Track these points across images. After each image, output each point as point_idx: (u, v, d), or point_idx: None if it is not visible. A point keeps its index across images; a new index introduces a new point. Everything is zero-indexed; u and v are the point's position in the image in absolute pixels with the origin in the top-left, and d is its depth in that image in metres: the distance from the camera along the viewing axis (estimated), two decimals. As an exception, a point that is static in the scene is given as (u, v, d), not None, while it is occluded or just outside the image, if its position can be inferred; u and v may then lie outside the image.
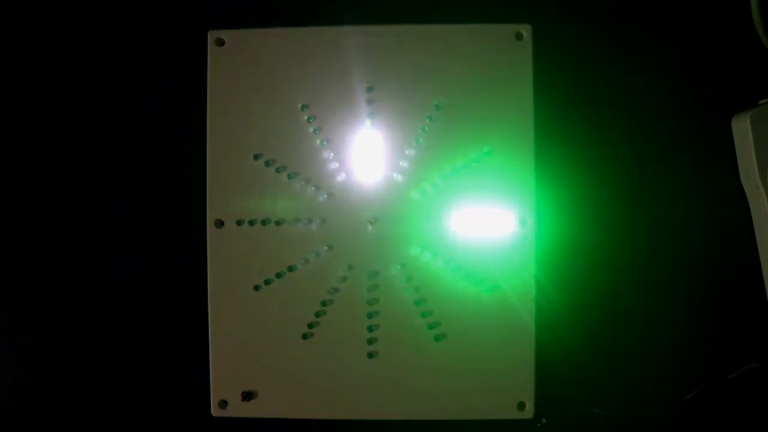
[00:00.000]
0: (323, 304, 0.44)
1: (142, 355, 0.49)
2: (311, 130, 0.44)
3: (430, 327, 0.44)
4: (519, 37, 0.44)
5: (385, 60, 0.44)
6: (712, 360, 0.48)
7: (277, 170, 0.44)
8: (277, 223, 0.44)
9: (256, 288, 0.44)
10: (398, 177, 0.44)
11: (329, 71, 0.44)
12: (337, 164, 0.44)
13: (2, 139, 0.49)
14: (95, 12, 0.49)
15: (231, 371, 0.44)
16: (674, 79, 0.48)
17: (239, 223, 0.44)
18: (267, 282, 0.44)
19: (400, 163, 0.44)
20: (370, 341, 0.44)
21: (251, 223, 0.44)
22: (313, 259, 0.44)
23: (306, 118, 0.44)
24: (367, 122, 0.44)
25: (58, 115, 0.49)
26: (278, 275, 0.44)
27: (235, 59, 0.44)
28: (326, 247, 0.44)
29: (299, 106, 0.44)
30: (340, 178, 0.45)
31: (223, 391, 0.44)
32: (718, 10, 0.48)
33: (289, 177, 0.44)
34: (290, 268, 0.44)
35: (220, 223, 0.44)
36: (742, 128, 0.46)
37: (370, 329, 0.44)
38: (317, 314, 0.44)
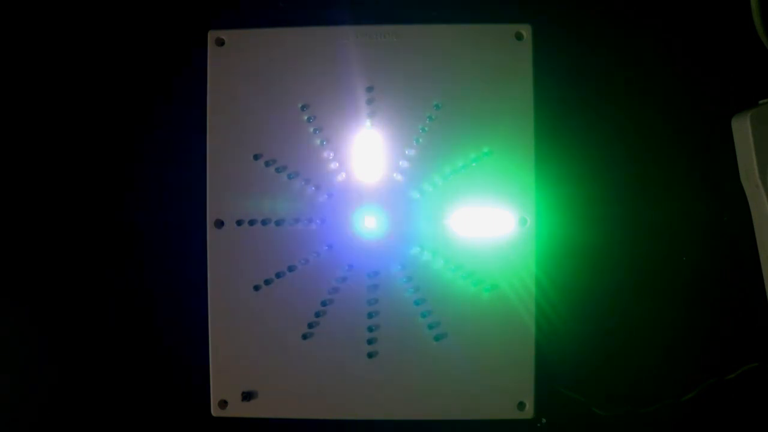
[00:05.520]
0: (323, 304, 0.44)
1: (142, 355, 0.49)
2: (311, 130, 0.44)
3: (430, 327, 0.44)
4: (519, 37, 0.44)
5: (385, 60, 0.44)
6: (712, 360, 0.48)
7: (277, 170, 0.44)
8: (277, 223, 0.44)
9: (256, 288, 0.44)
10: (398, 177, 0.45)
11: (329, 71, 0.44)
12: (337, 164, 0.44)
13: (2, 140, 0.49)
14: (95, 13, 0.49)
15: (231, 371, 0.44)
16: (674, 80, 0.49)
17: (239, 223, 0.44)
18: (267, 282, 0.44)
19: (400, 163, 0.44)
20: (370, 341, 0.44)
21: (251, 223, 0.44)
22: (313, 259, 0.44)
23: (306, 118, 0.44)
24: (367, 122, 0.44)
25: (58, 116, 0.49)
26: (278, 275, 0.44)
27: (235, 59, 0.44)
28: (326, 247, 0.44)
29: (299, 106, 0.44)
30: (340, 178, 0.45)
31: (223, 391, 0.44)
32: (718, 10, 0.48)
33: (289, 177, 0.44)
34: (290, 268, 0.44)
35: (220, 223, 0.44)
36: (742, 128, 0.46)
37: (370, 329, 0.44)
38: (317, 314, 0.44)
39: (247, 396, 0.44)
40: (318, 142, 0.44)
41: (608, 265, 0.48)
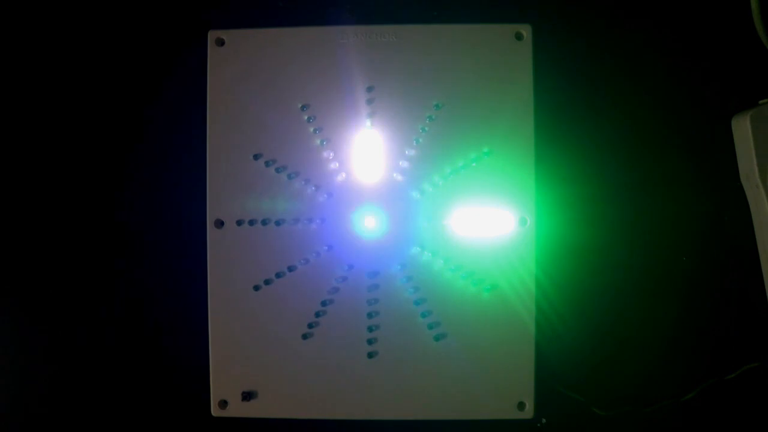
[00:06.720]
0: (323, 304, 0.44)
1: (142, 355, 0.49)
2: (311, 130, 0.44)
3: (430, 327, 0.44)
4: (519, 37, 0.44)
5: (385, 60, 0.44)
6: (712, 360, 0.48)
7: (277, 170, 0.44)
8: (277, 223, 0.44)
9: (256, 288, 0.44)
10: (398, 177, 0.45)
11: (329, 71, 0.44)
12: (337, 164, 0.44)
13: (2, 140, 0.49)
14: (95, 12, 0.49)
15: (231, 371, 0.44)
16: (674, 79, 0.49)
17: (239, 223, 0.44)
18: (267, 282, 0.44)
19: (400, 163, 0.44)
20: (370, 341, 0.44)
21: (251, 223, 0.44)
22: (313, 259, 0.44)
23: (306, 118, 0.44)
24: (367, 122, 0.44)
25: (59, 116, 0.49)
26: (278, 275, 0.44)
27: (235, 59, 0.44)
28: (326, 247, 0.44)
29: (299, 106, 0.44)
30: (340, 178, 0.45)
31: (223, 391, 0.44)
32: (718, 10, 0.48)
33: (289, 177, 0.44)
34: (290, 268, 0.44)
35: (220, 223, 0.44)
36: (742, 128, 0.46)
37: (370, 329, 0.44)
38: (317, 314, 0.44)
39: (247, 396, 0.44)
40: (318, 142, 0.44)
41: (608, 265, 0.48)
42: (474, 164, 0.44)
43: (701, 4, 0.48)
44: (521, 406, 0.44)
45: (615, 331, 0.48)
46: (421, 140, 0.44)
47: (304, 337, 0.44)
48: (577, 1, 0.49)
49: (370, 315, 0.44)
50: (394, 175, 0.45)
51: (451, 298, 0.44)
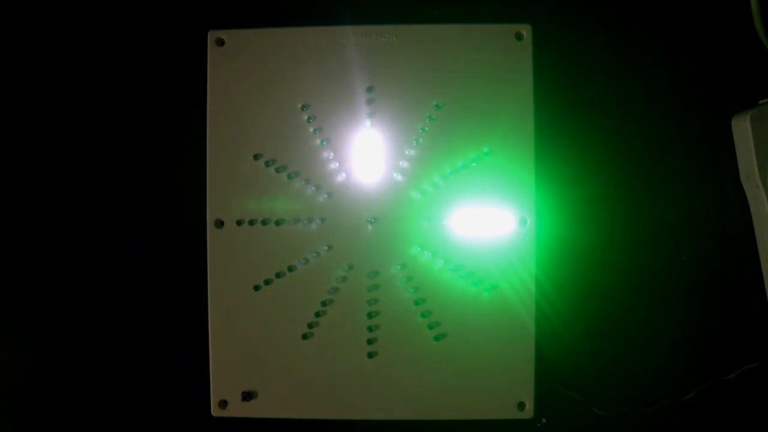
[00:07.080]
0: (323, 304, 0.44)
1: (142, 355, 0.49)
2: (311, 130, 0.44)
3: (430, 327, 0.44)
4: (519, 37, 0.44)
5: (385, 60, 0.44)
6: (712, 360, 0.48)
7: (277, 170, 0.44)
8: (277, 223, 0.44)
9: (256, 288, 0.44)
10: (398, 177, 0.45)
11: (329, 71, 0.44)
12: (337, 164, 0.44)
13: (2, 140, 0.49)
14: (95, 12, 0.49)
15: (231, 371, 0.44)
16: (674, 79, 0.49)
17: (239, 223, 0.44)
18: (267, 282, 0.44)
19: (400, 163, 0.44)
20: (370, 341, 0.44)
21: (251, 223, 0.44)
22: (313, 259, 0.44)
23: (306, 118, 0.44)
24: (367, 122, 0.44)
25: (59, 116, 0.49)
26: (278, 275, 0.44)
27: (235, 59, 0.44)
28: (326, 247, 0.44)
29: (299, 106, 0.44)
30: (340, 178, 0.45)
31: (223, 391, 0.44)
32: (718, 10, 0.48)
33: (289, 177, 0.44)
34: (290, 268, 0.44)
35: (220, 223, 0.44)
36: (742, 128, 0.46)
37: (370, 329, 0.44)
38: (317, 314, 0.44)
39: (247, 396, 0.44)
40: (318, 142, 0.44)
41: (608, 265, 0.48)
42: (474, 164, 0.44)
43: (701, 4, 0.48)
44: (521, 406, 0.44)
45: (615, 331, 0.48)
46: (421, 140, 0.44)
47: (304, 337, 0.44)
48: (577, 1, 0.49)
49: (370, 315, 0.44)
50: (394, 175, 0.45)
51: (451, 298, 0.44)
